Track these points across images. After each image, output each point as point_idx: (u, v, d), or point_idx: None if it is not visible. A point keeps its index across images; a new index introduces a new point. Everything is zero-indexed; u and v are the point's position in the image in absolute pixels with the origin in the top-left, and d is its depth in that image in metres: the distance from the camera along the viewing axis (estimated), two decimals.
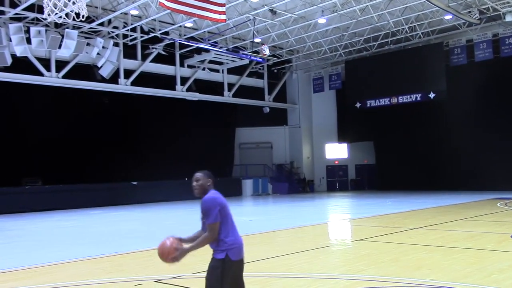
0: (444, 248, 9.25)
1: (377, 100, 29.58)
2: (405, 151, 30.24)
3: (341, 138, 34.16)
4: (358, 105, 30.47)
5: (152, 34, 24.81)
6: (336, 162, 34.56)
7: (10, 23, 21.03)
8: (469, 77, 27.08)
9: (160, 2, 15.80)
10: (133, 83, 26.14)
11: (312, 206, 22.71)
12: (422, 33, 27.06)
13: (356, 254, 9.07)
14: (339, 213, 19.21)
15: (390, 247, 9.41)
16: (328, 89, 33.81)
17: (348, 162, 34.33)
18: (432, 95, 27.27)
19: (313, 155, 35.07)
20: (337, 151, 34.48)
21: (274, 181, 33.02)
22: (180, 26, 24.82)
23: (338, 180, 34.64)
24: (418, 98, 27.95)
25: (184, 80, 28.71)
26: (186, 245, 4.00)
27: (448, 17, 24.57)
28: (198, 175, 4.28)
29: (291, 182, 33.25)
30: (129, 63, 26.21)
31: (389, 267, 7.52)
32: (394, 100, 28.87)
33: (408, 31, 26.80)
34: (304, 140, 34.73)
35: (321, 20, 24.63)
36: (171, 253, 3.93)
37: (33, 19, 21.60)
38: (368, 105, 30.03)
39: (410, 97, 28.26)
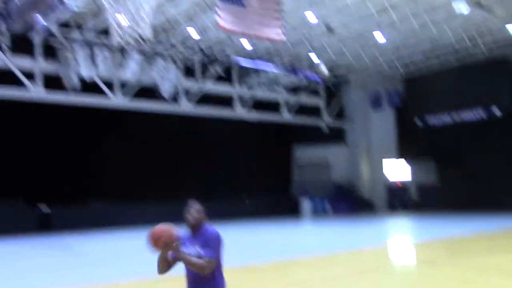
0: None
1: (439, 118, 28.70)
2: (469, 170, 29.01)
3: (401, 156, 33.30)
4: (419, 123, 29.67)
5: (211, 55, 25.28)
6: (397, 182, 33.67)
7: (78, 47, 22.04)
8: None
9: (219, 24, 16.11)
10: (192, 104, 26.66)
11: (373, 227, 22.19)
12: (485, 47, 26.12)
13: (421, 278, 8.74)
14: (401, 235, 18.65)
15: (457, 272, 9.01)
16: (387, 107, 33.16)
17: (410, 182, 33.35)
18: (497, 111, 26.16)
19: (373, 174, 34.35)
20: (397, 170, 33.60)
21: (333, 201, 32.54)
22: (239, 46, 25.19)
23: (399, 200, 33.66)
24: (482, 115, 26.89)
25: (242, 100, 29.01)
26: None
27: None
28: (199, 207, 3.99)
29: (350, 201, 32.64)
30: (189, 84, 26.80)
31: None
32: (456, 117, 27.92)
33: (470, 46, 25.95)
34: (363, 159, 34.12)
35: (379, 37, 24.28)
36: (167, 237, 3.65)
37: (99, 43, 22.54)
38: (430, 123, 29.18)
39: (474, 114, 27.23)
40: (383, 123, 34.07)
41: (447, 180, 30.70)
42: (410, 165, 33.00)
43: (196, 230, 3.89)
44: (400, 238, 17.06)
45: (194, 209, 3.92)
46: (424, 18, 21.87)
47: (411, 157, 32.40)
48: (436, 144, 30.46)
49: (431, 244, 13.67)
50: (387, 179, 33.73)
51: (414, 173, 32.97)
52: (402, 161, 33.18)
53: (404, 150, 32.84)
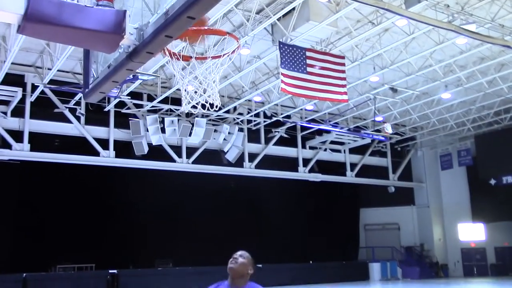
0: None
1: None
2: None
3: (475, 218, 31.60)
4: (492, 182, 28.31)
5: (274, 119, 25.68)
6: (473, 245, 31.78)
7: (147, 115, 23.09)
8: None
9: (282, 88, 16.43)
10: (257, 166, 26.87)
11: None
12: None
13: None
14: None
15: None
16: (458, 166, 31.95)
17: (486, 244, 31.38)
18: None
19: (445, 237, 32.72)
20: (472, 232, 31.78)
21: (403, 265, 31.09)
22: (301, 109, 25.46)
23: (475, 264, 31.65)
24: None
25: (306, 161, 28.95)
26: None
27: None
28: (246, 254, 3.55)
29: (422, 266, 31.08)
30: (253, 147, 27.14)
31: None
32: None
33: None
34: (434, 220, 32.69)
35: (445, 95, 23.80)
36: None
37: (167, 110, 23.52)
38: (505, 182, 27.76)
39: None
40: (454, 183, 32.77)
41: None
42: (486, 226, 31.21)
43: (237, 282, 3.40)
44: None
45: (241, 258, 3.43)
46: (492, 74, 21.32)
47: (487, 217, 30.70)
48: None
49: None
50: (462, 242, 31.97)
51: (490, 235, 31.09)
52: (477, 222, 31.47)
53: (479, 210, 31.23)
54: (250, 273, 3.46)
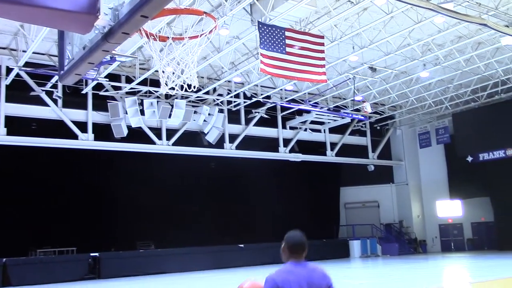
0: None
1: (491, 153, 27.83)
2: None
3: (453, 194, 32.22)
4: (469, 159, 28.84)
5: (254, 99, 25.65)
6: (450, 221, 32.46)
7: (126, 97, 22.87)
8: None
9: (261, 68, 16.37)
10: (237, 147, 26.92)
11: (427, 268, 21.34)
12: None
13: None
14: (458, 276, 17.82)
15: None
16: (436, 144, 32.45)
17: (463, 220, 32.09)
18: None
19: (424, 213, 33.35)
20: (450, 208, 32.44)
21: (383, 242, 31.65)
22: (281, 89, 25.46)
23: (453, 239, 32.38)
24: None
25: (286, 141, 29.08)
26: None
27: None
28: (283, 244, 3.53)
29: (401, 242, 31.68)
30: (234, 128, 27.14)
31: None
32: (510, 152, 26.98)
33: None
34: (413, 198, 33.25)
35: (424, 74, 24.03)
36: None
37: (146, 92, 23.31)
38: (481, 159, 28.30)
39: None
40: (432, 161, 33.31)
41: (504, 218, 29.37)
42: (463, 203, 31.87)
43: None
44: (454, 279, 16.30)
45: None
46: (469, 53, 21.55)
47: (464, 194, 31.32)
48: (490, 181, 29.39)
49: (485, 285, 12.97)
50: (439, 218, 32.63)
51: (467, 211, 31.77)
52: (454, 198, 32.11)
53: (456, 187, 31.83)
54: (284, 254, 3.48)
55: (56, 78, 20.11)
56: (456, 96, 28.08)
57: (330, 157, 30.67)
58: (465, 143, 29.33)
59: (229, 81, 24.18)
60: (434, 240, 32.76)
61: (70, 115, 22.51)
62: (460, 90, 27.13)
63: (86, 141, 22.61)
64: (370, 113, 25.80)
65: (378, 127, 33.27)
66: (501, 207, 29.60)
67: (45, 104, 21.67)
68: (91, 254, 21.70)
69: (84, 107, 22.85)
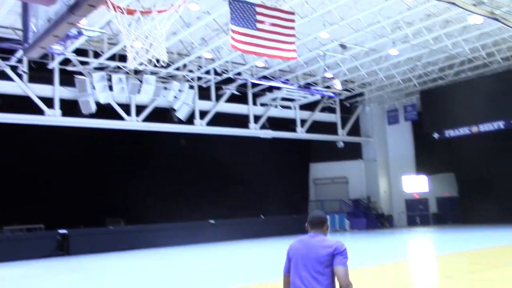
0: None
1: (457, 130, 28.46)
2: (490, 182, 28.58)
3: (419, 170, 32.98)
4: (436, 135, 29.46)
5: (225, 75, 25.52)
6: (416, 196, 33.30)
7: (94, 73, 22.44)
8: None
9: (231, 44, 16.26)
10: (208, 124, 26.84)
11: (393, 242, 21.91)
12: (501, 58, 25.93)
13: None
14: (422, 249, 18.37)
15: (482, 287, 8.81)
16: (404, 121, 33.02)
17: (429, 195, 32.95)
18: None
19: (391, 189, 34.08)
20: (416, 184, 33.24)
21: (351, 217, 32.28)
22: (252, 66, 25.36)
23: (418, 214, 33.25)
24: (501, 126, 26.59)
25: (257, 118, 29.12)
26: None
27: None
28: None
29: (369, 217, 32.37)
30: (204, 104, 27.00)
31: None
32: (474, 129, 27.66)
33: (486, 57, 25.79)
34: (380, 174, 33.89)
35: (393, 52, 24.28)
36: None
37: (114, 68, 22.91)
38: (447, 135, 28.95)
39: (492, 125, 26.96)
40: (400, 137, 33.92)
41: (467, 193, 30.27)
42: (429, 179, 32.66)
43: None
44: (419, 252, 16.81)
45: None
46: (437, 31, 21.82)
47: (430, 170, 32.08)
48: (455, 157, 30.16)
49: (449, 258, 13.43)
50: (406, 193, 33.40)
51: (433, 186, 32.61)
52: (420, 174, 32.87)
53: (423, 164, 32.56)
54: (307, 228, 3.93)
55: (21, 52, 19.56)
56: (424, 74, 28.52)
57: (300, 133, 30.90)
58: (432, 120, 29.93)
59: (199, 57, 23.95)
60: (400, 215, 33.58)
61: (36, 91, 22.01)
62: (428, 68, 27.54)
63: (53, 117, 22.19)
64: (340, 90, 26.01)
65: (348, 104, 33.59)
66: (465, 182, 30.48)
67: (10, 79, 21.12)
68: (60, 231, 21.53)
69: (50, 82, 22.36)
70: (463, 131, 28.20)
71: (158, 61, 6.30)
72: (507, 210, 27.41)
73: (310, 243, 3.77)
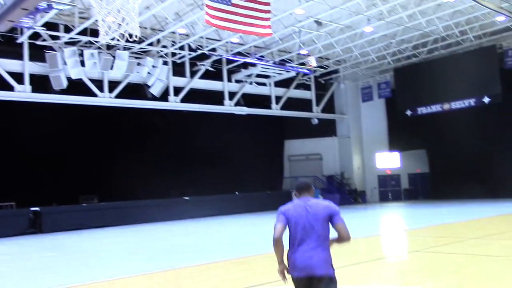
0: (507, 258, 8.85)
1: (429, 107, 28.89)
2: (460, 159, 29.21)
3: (392, 147, 33.48)
4: (409, 112, 29.85)
5: (199, 51, 25.23)
6: (388, 172, 33.86)
7: (65, 47, 21.93)
8: None
9: (206, 20, 16.08)
10: (182, 100, 26.63)
11: (365, 217, 22.31)
12: (473, 36, 26.27)
13: (413, 266, 8.81)
14: (393, 224, 18.78)
15: (449, 259, 9.09)
16: (377, 98, 33.32)
17: (401, 171, 33.54)
18: (486, 99, 26.39)
19: (364, 165, 34.54)
20: (388, 160, 33.76)
21: (325, 193, 32.63)
22: (227, 42, 25.12)
23: (390, 190, 33.88)
24: (472, 103, 27.09)
25: (232, 95, 29.01)
26: None
27: (501, 18, 23.76)
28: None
29: (342, 193, 32.81)
30: (178, 81, 26.75)
31: (449, 279, 7.26)
32: (446, 106, 28.12)
33: (459, 35, 26.09)
34: (354, 150, 34.29)
35: (368, 29, 24.35)
36: None
37: (86, 43, 22.42)
38: (419, 113, 29.37)
39: (464, 103, 27.45)
40: (373, 114, 34.28)
41: (438, 169, 30.92)
42: (401, 155, 33.19)
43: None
44: (391, 226, 17.19)
45: None
46: (412, 8, 21.93)
47: (402, 146, 32.58)
48: (427, 134, 30.65)
49: (420, 232, 13.78)
50: (379, 170, 33.92)
51: (405, 163, 33.17)
52: (393, 151, 33.36)
53: (395, 140, 33.04)
54: (295, 195, 4.23)
55: None
56: (398, 52, 28.73)
57: (275, 110, 30.94)
58: (405, 98, 30.29)
59: (173, 33, 23.61)
60: (373, 190, 34.15)
61: (4, 65, 21.47)
62: (402, 45, 27.74)
63: (23, 93, 21.72)
64: (315, 67, 26.02)
65: (323, 81, 33.68)
66: (436, 159, 31.12)
67: None
68: (32, 209, 21.27)
69: (20, 57, 21.80)
70: (435, 108, 28.63)
71: (131, 36, 6.20)
72: (476, 186, 28.13)
73: (310, 206, 4.00)
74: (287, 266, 3.99)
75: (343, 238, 4.01)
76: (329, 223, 3.99)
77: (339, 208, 4.05)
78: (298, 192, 4.16)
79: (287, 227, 3.98)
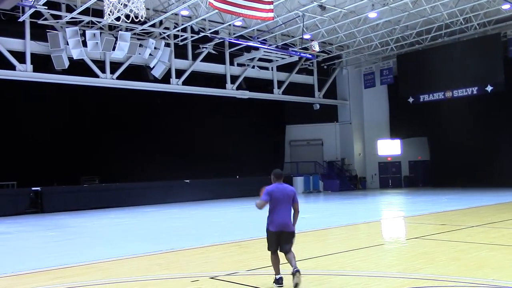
0: (506, 246, 8.89)
1: (431, 95, 28.81)
2: (461, 147, 29.23)
3: (393, 134, 33.45)
4: (411, 100, 29.77)
5: (202, 34, 25.09)
6: (389, 159, 33.88)
7: (67, 27, 21.79)
8: None
9: (209, 2, 15.95)
10: (184, 83, 26.54)
11: (365, 204, 22.37)
12: (477, 24, 26.09)
13: (412, 252, 8.84)
14: (393, 211, 18.83)
15: (448, 246, 9.13)
16: (380, 84, 33.19)
17: (401, 158, 33.57)
18: (489, 88, 26.29)
19: (365, 152, 34.55)
20: (389, 147, 33.77)
21: (325, 178, 32.74)
22: (230, 25, 24.97)
23: (391, 177, 33.93)
24: (475, 92, 27.01)
25: (234, 78, 28.90)
26: None
27: (506, 6, 23.58)
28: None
29: (342, 179, 32.89)
30: (180, 63, 26.63)
31: (448, 266, 7.29)
32: (449, 94, 28.03)
33: (463, 23, 25.91)
34: (355, 137, 34.27)
35: (372, 14, 24.16)
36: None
37: (88, 23, 22.27)
38: (422, 100, 29.29)
39: (466, 91, 27.36)
40: (375, 101, 34.18)
41: (439, 157, 30.93)
42: (402, 142, 33.18)
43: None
44: (390, 213, 17.24)
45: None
46: None
47: (404, 134, 32.56)
48: (429, 121, 30.61)
49: (420, 219, 13.82)
50: (379, 156, 33.93)
51: (406, 150, 33.18)
52: (394, 138, 33.34)
53: (397, 127, 32.99)
54: (272, 180, 6.50)
55: None
56: (402, 38, 28.56)
57: (277, 95, 30.86)
58: (408, 85, 30.19)
59: (176, 14, 23.44)
60: (373, 177, 34.20)
61: (6, 44, 21.37)
62: (406, 32, 27.56)
63: (25, 72, 21.66)
64: (318, 52, 25.85)
65: (325, 67, 33.54)
66: (437, 146, 31.11)
67: None
68: (33, 189, 21.33)
69: (21, 36, 21.69)
70: (437, 96, 28.55)
71: (136, 17, 6.14)
72: (476, 174, 28.19)
73: (284, 189, 6.32)
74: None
75: (296, 211, 6.30)
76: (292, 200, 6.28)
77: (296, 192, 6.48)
78: (275, 178, 6.41)
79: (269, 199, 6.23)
